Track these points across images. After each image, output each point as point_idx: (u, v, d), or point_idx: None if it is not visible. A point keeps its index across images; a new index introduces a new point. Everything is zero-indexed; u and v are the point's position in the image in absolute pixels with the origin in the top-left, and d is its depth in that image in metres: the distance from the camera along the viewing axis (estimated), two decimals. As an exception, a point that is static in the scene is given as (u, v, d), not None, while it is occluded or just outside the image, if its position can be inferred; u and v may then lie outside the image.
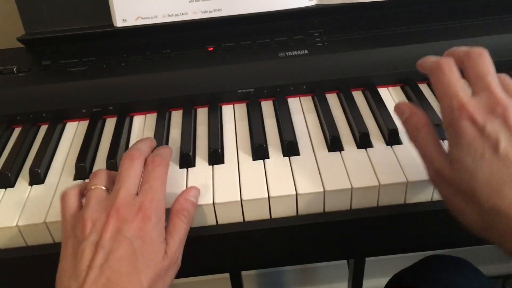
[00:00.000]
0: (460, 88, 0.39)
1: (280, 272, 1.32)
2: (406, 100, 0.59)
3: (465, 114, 0.38)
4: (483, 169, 0.37)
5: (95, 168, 0.54)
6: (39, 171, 0.52)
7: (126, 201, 0.42)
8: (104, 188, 0.45)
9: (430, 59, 0.44)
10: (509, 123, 0.37)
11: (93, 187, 0.44)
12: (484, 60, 0.41)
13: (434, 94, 0.59)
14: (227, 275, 1.11)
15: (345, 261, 1.16)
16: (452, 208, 0.40)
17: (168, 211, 0.45)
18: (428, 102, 0.57)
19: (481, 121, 0.37)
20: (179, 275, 0.54)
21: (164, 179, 0.46)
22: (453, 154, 0.39)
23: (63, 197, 0.45)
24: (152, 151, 0.49)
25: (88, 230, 0.41)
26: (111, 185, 0.45)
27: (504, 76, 0.41)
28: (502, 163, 0.36)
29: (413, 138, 0.43)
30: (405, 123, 0.44)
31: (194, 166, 0.52)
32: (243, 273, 1.18)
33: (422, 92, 0.58)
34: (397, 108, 0.45)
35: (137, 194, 0.44)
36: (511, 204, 0.35)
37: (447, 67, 0.41)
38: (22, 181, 0.53)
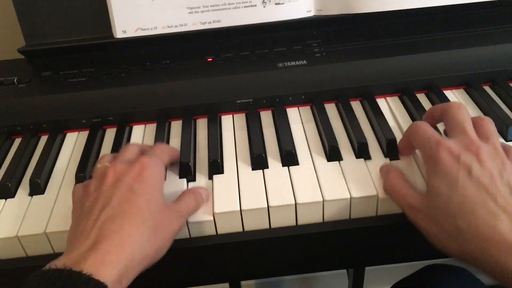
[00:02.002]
0: (436, 134, 0.45)
1: (279, 281, 1.31)
2: (404, 110, 0.59)
3: (442, 147, 0.43)
4: (458, 193, 0.40)
5: (95, 178, 0.54)
6: (39, 181, 0.52)
7: (122, 161, 0.45)
8: (109, 165, 0.46)
9: (406, 131, 0.49)
10: (481, 158, 0.42)
11: (99, 165, 0.47)
12: (461, 110, 0.46)
13: (432, 105, 0.60)
14: (226, 285, 1.10)
15: (344, 270, 1.16)
16: (430, 237, 0.43)
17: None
18: (426, 111, 0.57)
19: (456, 151, 0.42)
20: (178, 285, 0.54)
21: (165, 152, 0.49)
22: (431, 182, 0.43)
23: (73, 190, 0.47)
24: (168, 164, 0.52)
25: (91, 191, 0.43)
26: None
27: (484, 119, 0.46)
28: (475, 187, 0.40)
29: (387, 186, 0.47)
30: (384, 177, 0.48)
31: (194, 176, 0.52)
32: (243, 282, 1.18)
33: (419, 102, 0.58)
34: (380, 170, 0.50)
35: None
36: (485, 222, 0.39)
37: (421, 123, 0.47)
38: (22, 192, 0.53)
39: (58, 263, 0.36)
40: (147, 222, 0.41)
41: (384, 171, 0.48)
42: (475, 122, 0.46)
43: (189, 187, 0.51)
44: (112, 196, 0.41)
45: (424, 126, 0.47)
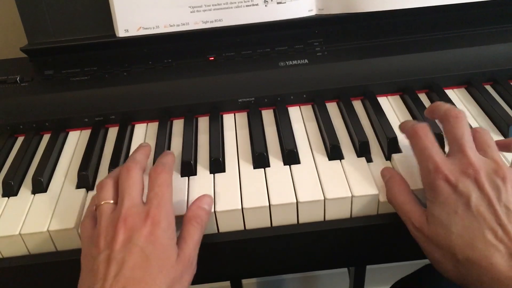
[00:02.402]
0: (435, 151, 0.44)
1: (281, 280, 1.31)
2: (406, 109, 0.59)
3: (440, 175, 0.42)
4: (457, 224, 0.41)
5: (97, 177, 0.54)
6: (42, 179, 0.53)
7: (132, 210, 0.43)
8: (112, 201, 0.45)
9: (408, 124, 0.49)
10: (480, 183, 0.41)
11: (102, 203, 0.45)
12: (459, 122, 0.45)
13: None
14: (227, 283, 1.11)
15: (345, 269, 1.17)
16: (432, 260, 0.43)
17: (179, 220, 0.46)
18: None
19: (454, 180, 0.42)
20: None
21: (168, 184, 0.46)
22: (431, 209, 0.43)
23: (81, 226, 0.46)
24: (148, 158, 0.50)
25: (102, 246, 0.41)
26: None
27: (482, 131, 0.46)
28: (474, 218, 0.40)
29: (390, 197, 0.47)
30: (386, 184, 0.48)
31: (195, 174, 0.52)
32: (244, 281, 1.18)
33: (420, 101, 0.59)
34: (381, 172, 0.49)
35: (143, 204, 0.44)
36: (482, 255, 0.39)
37: (422, 133, 0.46)
38: (25, 190, 0.53)
39: None
40: (159, 285, 0.40)
41: (387, 179, 0.48)
42: (473, 134, 0.45)
43: (190, 185, 0.51)
44: (124, 261, 0.40)
45: (424, 139, 0.45)
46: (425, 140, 0.45)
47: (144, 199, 0.45)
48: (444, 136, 0.47)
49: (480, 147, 0.44)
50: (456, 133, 0.45)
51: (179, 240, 0.44)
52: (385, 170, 0.49)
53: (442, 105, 0.48)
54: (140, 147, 0.51)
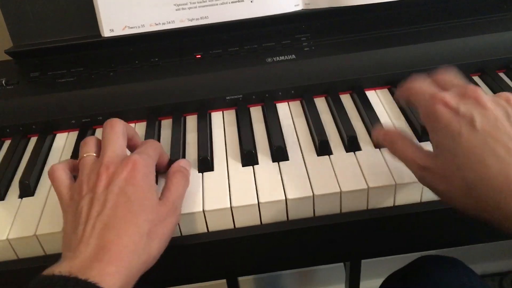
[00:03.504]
0: (431, 87, 0.43)
1: (277, 275, 1.32)
2: (394, 102, 0.59)
3: (438, 100, 0.40)
4: (463, 146, 0.38)
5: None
6: (29, 183, 0.52)
7: (114, 159, 0.44)
8: (94, 154, 0.46)
9: (400, 90, 0.48)
10: (481, 102, 0.39)
11: (84, 155, 0.46)
12: (449, 73, 0.45)
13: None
14: (223, 280, 1.10)
15: (341, 263, 1.17)
16: (441, 194, 0.41)
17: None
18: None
19: (454, 103, 0.40)
20: (174, 283, 0.54)
21: (156, 149, 0.48)
22: (434, 139, 0.41)
23: (51, 173, 0.46)
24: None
25: (84, 191, 0.43)
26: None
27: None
28: (481, 136, 0.38)
29: (393, 151, 0.45)
30: (383, 142, 0.46)
31: (191, 164, 0.52)
32: (240, 277, 1.18)
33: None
34: (373, 136, 0.49)
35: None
36: (496, 172, 0.36)
37: (416, 82, 0.45)
38: (12, 194, 0.53)
39: (62, 270, 0.37)
40: (142, 229, 0.41)
41: (382, 137, 0.46)
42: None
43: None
44: (106, 201, 0.41)
45: (417, 83, 0.44)
46: (420, 84, 0.45)
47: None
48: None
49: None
50: (448, 78, 0.44)
51: (164, 191, 0.46)
52: (375, 131, 0.47)
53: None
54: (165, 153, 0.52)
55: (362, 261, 1.05)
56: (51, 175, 0.46)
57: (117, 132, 0.47)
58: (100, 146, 0.47)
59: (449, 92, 0.41)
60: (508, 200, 0.35)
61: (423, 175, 0.42)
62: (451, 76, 0.45)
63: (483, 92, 0.40)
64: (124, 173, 0.43)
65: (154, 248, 0.41)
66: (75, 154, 0.56)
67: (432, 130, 0.41)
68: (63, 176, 0.46)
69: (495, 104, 0.39)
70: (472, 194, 0.38)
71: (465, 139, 0.38)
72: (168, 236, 0.44)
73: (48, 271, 0.37)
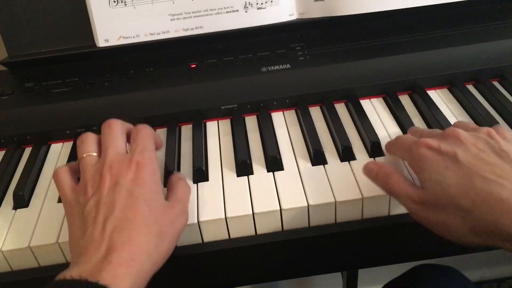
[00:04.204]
0: (413, 138, 0.46)
1: (274, 283, 1.31)
2: (389, 111, 0.59)
3: (421, 144, 0.43)
4: (451, 177, 0.40)
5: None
6: (23, 194, 0.52)
7: (117, 158, 0.44)
8: (95, 154, 0.46)
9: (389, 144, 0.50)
10: (461, 138, 0.41)
11: (84, 155, 0.46)
12: (434, 130, 0.49)
13: (415, 105, 0.60)
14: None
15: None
16: (439, 227, 0.41)
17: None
18: (407, 112, 0.57)
19: (436, 144, 0.42)
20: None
21: (151, 138, 0.47)
22: (422, 177, 0.42)
23: (55, 175, 0.46)
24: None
25: (89, 193, 0.42)
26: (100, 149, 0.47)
27: (462, 123, 0.47)
28: (466, 168, 0.39)
29: (386, 186, 0.45)
30: (375, 178, 0.47)
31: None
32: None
33: (402, 104, 0.59)
34: (365, 168, 0.48)
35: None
36: (487, 194, 0.37)
37: (401, 135, 0.48)
38: (6, 205, 0.52)
39: (73, 274, 0.37)
40: (152, 229, 0.41)
41: (375, 172, 0.46)
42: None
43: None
44: (114, 203, 0.41)
45: (403, 135, 0.47)
46: (405, 137, 0.47)
47: None
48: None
49: (461, 128, 0.45)
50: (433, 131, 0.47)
51: (169, 194, 0.46)
52: (370, 164, 0.48)
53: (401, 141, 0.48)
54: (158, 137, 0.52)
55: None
56: (55, 178, 0.46)
57: (116, 131, 0.47)
58: (99, 144, 0.47)
59: (430, 136, 0.44)
60: (503, 220, 0.36)
61: (417, 209, 0.43)
62: (434, 130, 0.48)
63: (462, 130, 0.43)
64: (129, 174, 0.42)
65: (164, 248, 0.42)
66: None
67: (419, 172, 0.43)
68: (67, 178, 0.45)
69: (475, 139, 0.41)
70: (469, 220, 0.38)
71: (451, 171, 0.40)
72: (177, 236, 0.44)
73: (60, 276, 0.37)
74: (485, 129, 0.43)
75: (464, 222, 0.39)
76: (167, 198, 0.45)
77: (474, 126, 0.46)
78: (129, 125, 0.50)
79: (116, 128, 0.47)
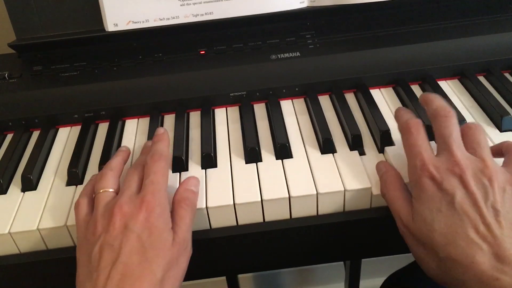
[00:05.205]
0: (424, 149, 0.44)
1: (276, 273, 1.31)
2: (399, 101, 0.59)
3: (426, 172, 0.42)
4: (440, 222, 0.40)
5: (87, 174, 0.54)
6: (31, 177, 0.52)
7: (129, 199, 0.43)
8: (111, 190, 0.45)
9: (403, 117, 0.48)
10: (465, 181, 0.41)
11: (101, 191, 0.45)
12: (448, 121, 0.45)
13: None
14: (223, 278, 1.10)
15: (341, 262, 1.17)
16: (416, 257, 0.43)
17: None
18: (418, 103, 0.57)
19: (439, 178, 0.41)
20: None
21: (164, 172, 0.46)
22: (415, 207, 0.42)
23: (75, 207, 0.46)
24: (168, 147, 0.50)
25: (98, 232, 0.42)
26: (118, 186, 0.47)
27: (474, 127, 0.45)
28: (457, 216, 0.40)
29: (383, 195, 0.46)
30: (381, 178, 0.47)
31: (187, 170, 0.52)
32: (240, 275, 1.18)
33: (413, 93, 0.58)
34: (376, 166, 0.49)
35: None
36: (464, 253, 0.38)
37: (414, 129, 0.46)
38: (15, 188, 0.53)
39: None
40: (156, 276, 0.40)
41: (381, 174, 0.47)
42: (462, 131, 0.45)
43: (182, 177, 0.50)
44: (121, 248, 0.40)
45: (416, 136, 0.45)
46: (416, 137, 0.45)
47: None
48: (433, 132, 0.46)
49: (470, 145, 0.44)
50: (444, 132, 0.44)
51: (173, 225, 0.44)
52: (381, 164, 0.49)
53: (434, 101, 0.47)
54: (162, 137, 0.51)
55: (362, 260, 1.04)
56: (75, 209, 0.46)
57: (135, 173, 0.46)
58: (117, 181, 0.47)
59: (438, 163, 0.42)
60: (472, 282, 0.38)
61: (404, 231, 0.44)
62: (446, 124, 0.45)
63: (469, 171, 0.41)
64: (139, 217, 0.42)
65: None
66: (78, 148, 0.55)
67: (415, 198, 0.43)
68: (84, 211, 0.45)
69: (477, 184, 0.41)
70: (443, 269, 0.40)
71: (443, 215, 0.40)
72: (181, 277, 0.43)
73: None
74: (489, 172, 0.41)
75: (437, 267, 0.41)
76: (171, 224, 0.44)
77: (483, 153, 0.43)
78: (145, 156, 0.49)
79: (134, 171, 0.47)
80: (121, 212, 0.42)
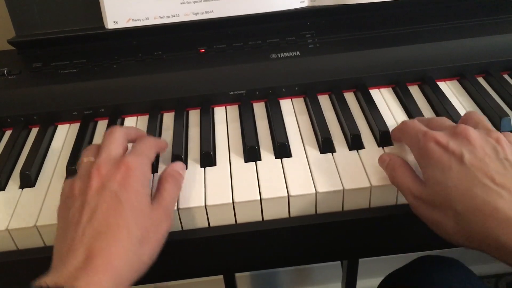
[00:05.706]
0: (422, 126, 0.46)
1: (274, 272, 1.31)
2: (398, 101, 0.59)
3: (430, 138, 0.43)
4: (452, 178, 0.40)
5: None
6: (30, 174, 0.52)
7: (108, 161, 0.43)
8: (93, 159, 0.45)
9: (395, 129, 0.50)
10: (471, 139, 0.41)
11: (85, 160, 0.45)
12: (446, 119, 0.47)
13: (425, 96, 0.59)
14: (220, 276, 1.10)
15: (338, 262, 1.17)
16: (431, 223, 0.43)
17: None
18: (416, 103, 0.57)
19: (444, 141, 0.42)
20: (172, 277, 0.54)
21: (152, 148, 0.47)
22: (426, 173, 0.43)
23: (63, 184, 0.46)
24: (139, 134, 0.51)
25: (76, 194, 0.42)
26: None
27: (468, 112, 0.47)
28: (469, 170, 0.40)
29: (392, 178, 0.46)
30: (386, 169, 0.47)
31: (186, 168, 0.52)
32: (237, 274, 1.18)
33: (411, 94, 0.58)
34: (380, 159, 0.49)
35: None
36: (484, 201, 0.38)
37: (409, 121, 0.48)
38: (13, 184, 0.52)
39: (49, 281, 0.36)
40: (133, 235, 0.40)
41: (387, 162, 0.47)
42: (461, 120, 0.47)
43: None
44: (98, 206, 0.40)
45: (411, 122, 0.47)
46: (412, 123, 0.47)
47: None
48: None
49: (471, 123, 0.45)
50: (442, 122, 0.47)
51: (156, 195, 0.45)
52: (383, 155, 0.49)
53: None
54: (163, 142, 0.52)
55: (360, 260, 1.04)
56: (63, 184, 0.46)
57: (114, 137, 0.46)
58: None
59: (440, 131, 0.44)
60: (496, 229, 0.37)
61: (416, 204, 0.43)
62: (443, 119, 0.48)
63: (473, 130, 0.43)
64: (117, 176, 0.42)
65: (145, 254, 0.41)
66: (77, 146, 0.55)
67: (424, 166, 0.43)
68: (69, 181, 0.45)
69: (484, 142, 0.41)
70: (462, 225, 0.39)
71: (454, 172, 0.40)
72: (160, 242, 0.43)
73: (36, 283, 0.36)
74: (495, 134, 0.42)
75: (457, 225, 0.40)
76: (153, 199, 0.44)
77: (485, 124, 0.45)
78: (135, 134, 0.50)
79: (115, 135, 0.46)
80: (99, 173, 0.42)
